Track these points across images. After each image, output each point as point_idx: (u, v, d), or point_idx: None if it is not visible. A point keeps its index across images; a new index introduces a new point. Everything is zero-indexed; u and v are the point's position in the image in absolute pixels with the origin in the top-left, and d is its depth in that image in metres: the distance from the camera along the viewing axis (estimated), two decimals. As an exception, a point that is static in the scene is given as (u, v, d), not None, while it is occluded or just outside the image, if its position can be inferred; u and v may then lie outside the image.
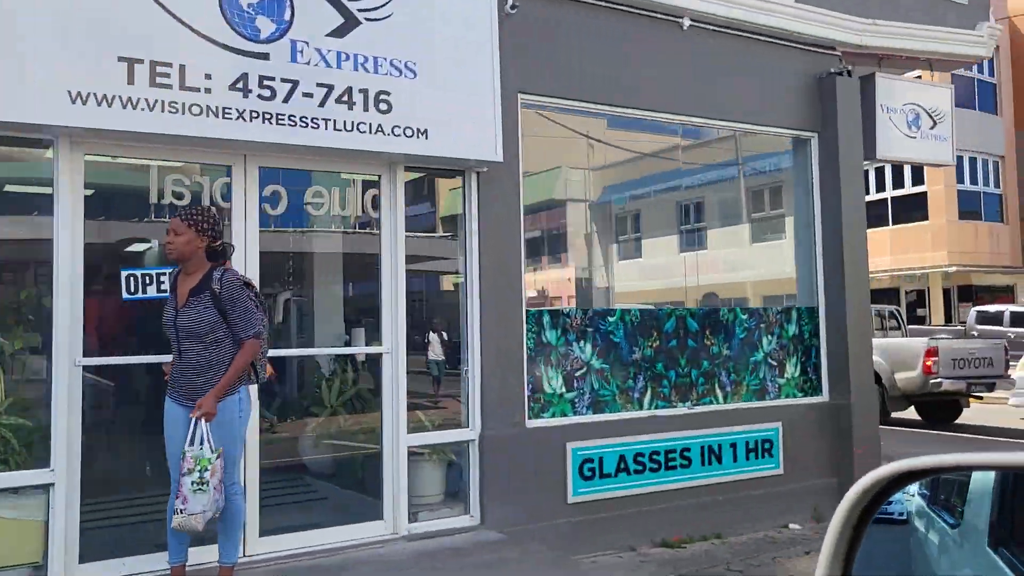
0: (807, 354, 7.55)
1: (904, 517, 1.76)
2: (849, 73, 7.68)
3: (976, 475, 1.70)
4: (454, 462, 5.93)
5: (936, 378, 13.33)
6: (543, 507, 5.96)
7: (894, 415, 14.31)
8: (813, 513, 7.15)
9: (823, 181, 7.67)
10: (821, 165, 7.69)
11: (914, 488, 1.72)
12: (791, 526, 7.01)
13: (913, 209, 28.50)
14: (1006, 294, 30.76)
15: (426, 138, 5.43)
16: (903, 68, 9.26)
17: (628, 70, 6.65)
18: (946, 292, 29.42)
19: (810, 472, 7.26)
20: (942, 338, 14.50)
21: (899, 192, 28.89)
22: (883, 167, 29.20)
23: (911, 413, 15.09)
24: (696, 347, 6.95)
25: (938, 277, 29.04)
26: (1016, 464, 1.52)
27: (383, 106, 5.29)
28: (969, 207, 28.31)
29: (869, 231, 27.59)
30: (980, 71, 28.89)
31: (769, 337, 7.37)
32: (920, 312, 29.98)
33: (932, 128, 8.60)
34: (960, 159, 28.10)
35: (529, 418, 6.05)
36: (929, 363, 13.35)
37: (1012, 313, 22.79)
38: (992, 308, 23.97)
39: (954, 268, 27.63)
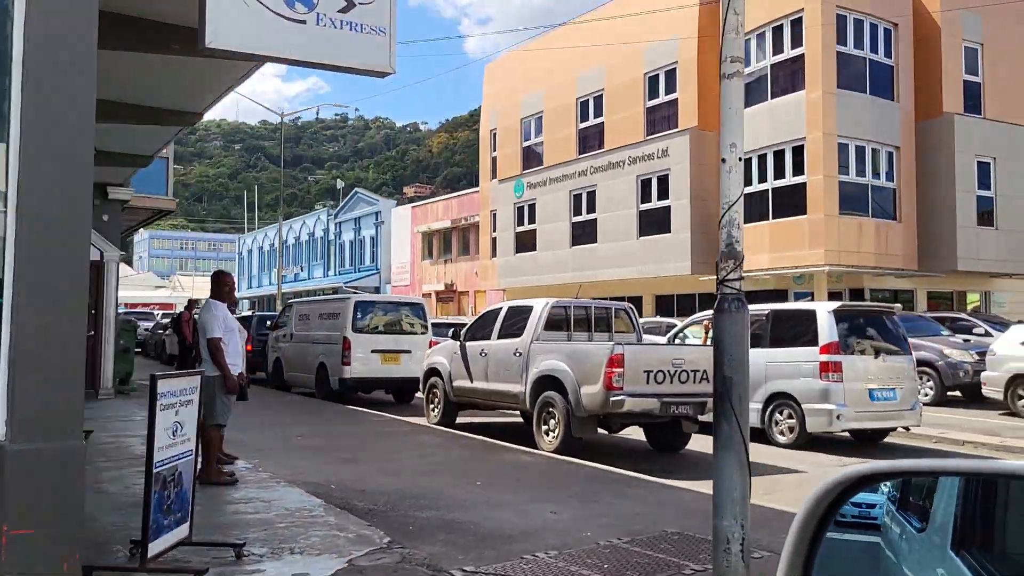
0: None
1: (878, 523, 1.80)
2: None
3: (943, 479, 1.69)
4: None
5: (618, 394, 10.09)
6: None
7: (606, 435, 11.05)
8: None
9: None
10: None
11: (885, 491, 1.73)
12: None
13: (793, 202, 25.13)
14: (899, 301, 27.33)
15: None
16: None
17: None
18: (835, 296, 25.95)
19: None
20: (632, 343, 11.22)
21: (780, 183, 25.52)
22: (765, 153, 25.89)
23: (634, 433, 11.87)
24: None
25: (823, 279, 25.66)
26: (972, 471, 1.61)
27: None
28: (854, 201, 24.90)
29: (748, 225, 23.97)
30: (874, 51, 25.46)
31: None
32: (809, 317, 26.57)
33: (345, 11, 5.34)
34: (845, 147, 24.71)
35: None
36: (611, 375, 10.11)
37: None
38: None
39: (827, 268, 24.23)
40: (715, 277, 15.80)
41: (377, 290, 48.70)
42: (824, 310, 11.67)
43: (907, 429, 12.29)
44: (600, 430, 11.04)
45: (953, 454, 11.75)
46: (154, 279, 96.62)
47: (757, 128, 26.13)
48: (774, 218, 25.59)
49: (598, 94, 32.69)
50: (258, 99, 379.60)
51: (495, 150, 38.19)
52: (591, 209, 31.96)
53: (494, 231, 37.70)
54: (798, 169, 24.91)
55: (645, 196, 29.75)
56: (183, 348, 19.77)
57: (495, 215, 37.49)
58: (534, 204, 34.70)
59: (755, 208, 26.21)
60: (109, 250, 15.43)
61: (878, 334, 11.90)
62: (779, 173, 25.51)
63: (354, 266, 51.47)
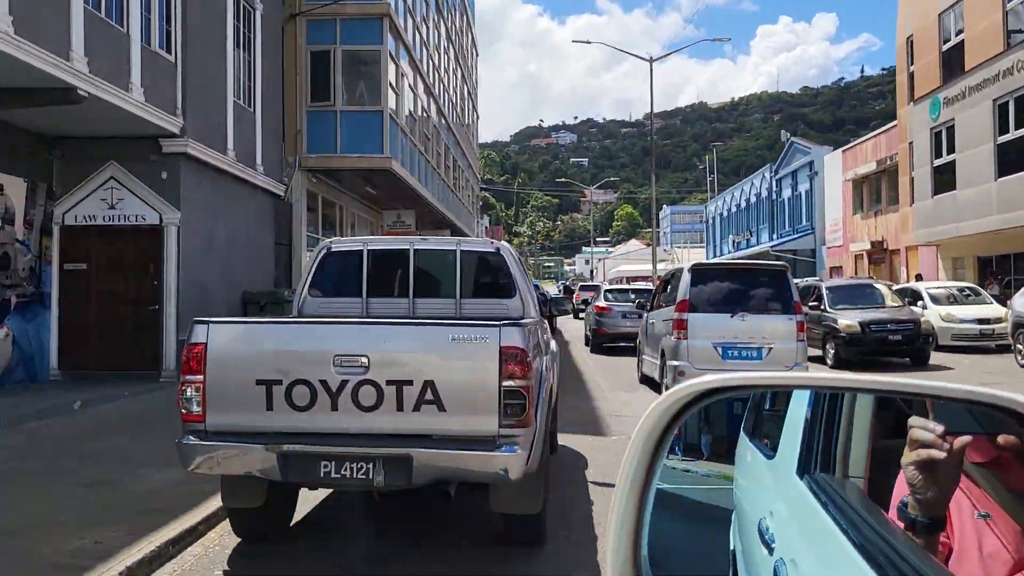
0: None
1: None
2: None
3: (791, 408, 1.68)
4: None
5: (194, 430, 4.81)
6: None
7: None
8: None
9: None
10: None
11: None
12: None
13: None
14: None
15: None
16: None
17: None
18: None
19: None
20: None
21: None
22: None
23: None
24: None
25: None
26: (813, 384, 1.62)
27: None
28: None
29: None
30: None
31: None
32: None
33: None
34: None
35: None
36: (183, 388, 4.85)
37: None
38: None
39: None
40: None
41: (813, 253, 41.00)
42: (685, 268, 11.68)
43: None
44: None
45: None
46: (659, 253, 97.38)
47: None
48: None
49: (1031, -52, 22.06)
50: (804, 63, 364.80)
51: (912, 63, 28.65)
52: (1021, 122, 21.67)
53: (912, 170, 28.37)
54: None
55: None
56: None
57: (912, 148, 28.15)
58: (952, 126, 24.96)
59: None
60: (168, 213, 13.40)
61: (752, 292, 11.19)
62: None
63: (792, 226, 44.07)
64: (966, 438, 1.22)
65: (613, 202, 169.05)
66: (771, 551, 1.52)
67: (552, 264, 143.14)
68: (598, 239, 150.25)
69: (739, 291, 11.22)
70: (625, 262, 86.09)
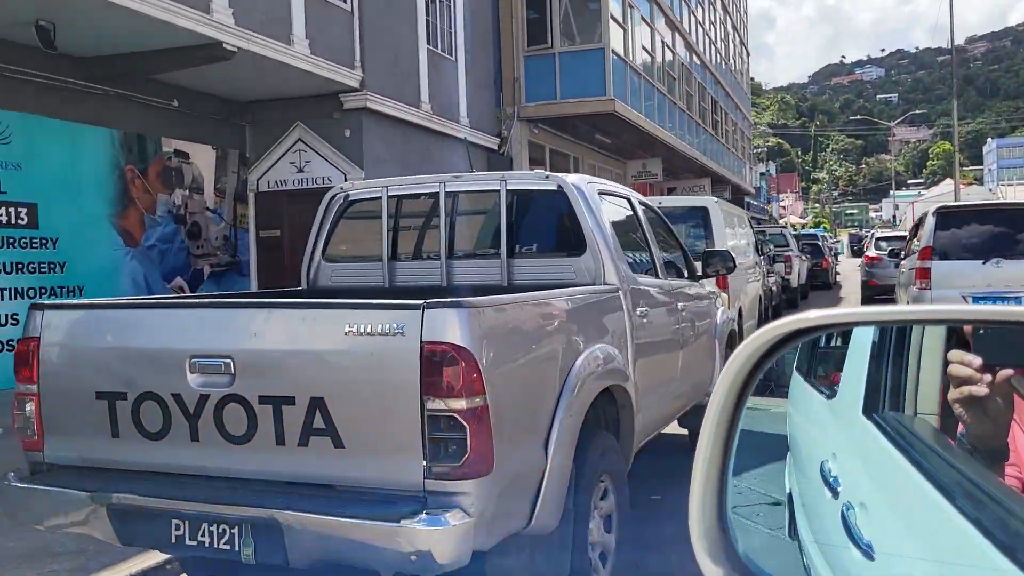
0: None
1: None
2: None
3: (852, 344, 1.52)
4: None
5: (33, 460, 3.47)
6: None
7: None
8: None
9: None
10: None
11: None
12: None
13: None
14: None
15: None
16: None
17: None
18: None
19: None
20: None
21: None
22: None
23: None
24: None
25: None
26: (912, 318, 1.43)
27: None
28: None
29: None
30: None
31: None
32: None
33: None
34: None
35: None
36: (16, 398, 3.51)
37: None
38: None
39: None
40: None
41: None
42: (930, 212, 10.35)
43: None
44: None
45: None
46: (984, 193, 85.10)
47: None
48: None
49: None
50: None
51: None
52: None
53: None
54: None
55: None
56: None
57: None
58: None
59: None
60: (353, 173, 12.53)
61: (1014, 236, 9.69)
62: None
63: None
64: (1008, 371, 1.10)
65: (927, 139, 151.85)
66: (836, 495, 1.39)
67: (855, 211, 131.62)
68: (910, 181, 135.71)
69: (996, 235, 9.88)
70: (937, 205, 76.22)
